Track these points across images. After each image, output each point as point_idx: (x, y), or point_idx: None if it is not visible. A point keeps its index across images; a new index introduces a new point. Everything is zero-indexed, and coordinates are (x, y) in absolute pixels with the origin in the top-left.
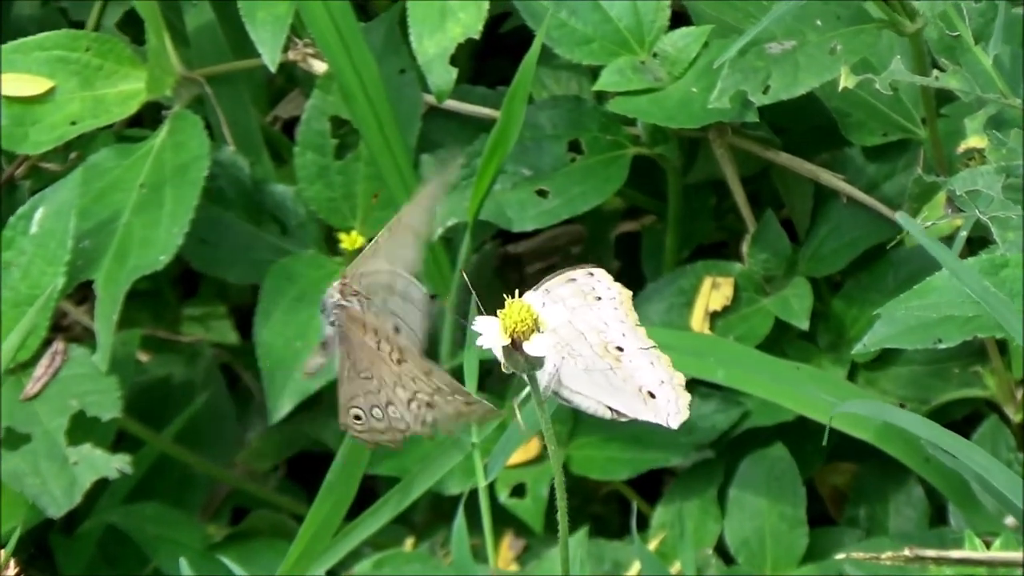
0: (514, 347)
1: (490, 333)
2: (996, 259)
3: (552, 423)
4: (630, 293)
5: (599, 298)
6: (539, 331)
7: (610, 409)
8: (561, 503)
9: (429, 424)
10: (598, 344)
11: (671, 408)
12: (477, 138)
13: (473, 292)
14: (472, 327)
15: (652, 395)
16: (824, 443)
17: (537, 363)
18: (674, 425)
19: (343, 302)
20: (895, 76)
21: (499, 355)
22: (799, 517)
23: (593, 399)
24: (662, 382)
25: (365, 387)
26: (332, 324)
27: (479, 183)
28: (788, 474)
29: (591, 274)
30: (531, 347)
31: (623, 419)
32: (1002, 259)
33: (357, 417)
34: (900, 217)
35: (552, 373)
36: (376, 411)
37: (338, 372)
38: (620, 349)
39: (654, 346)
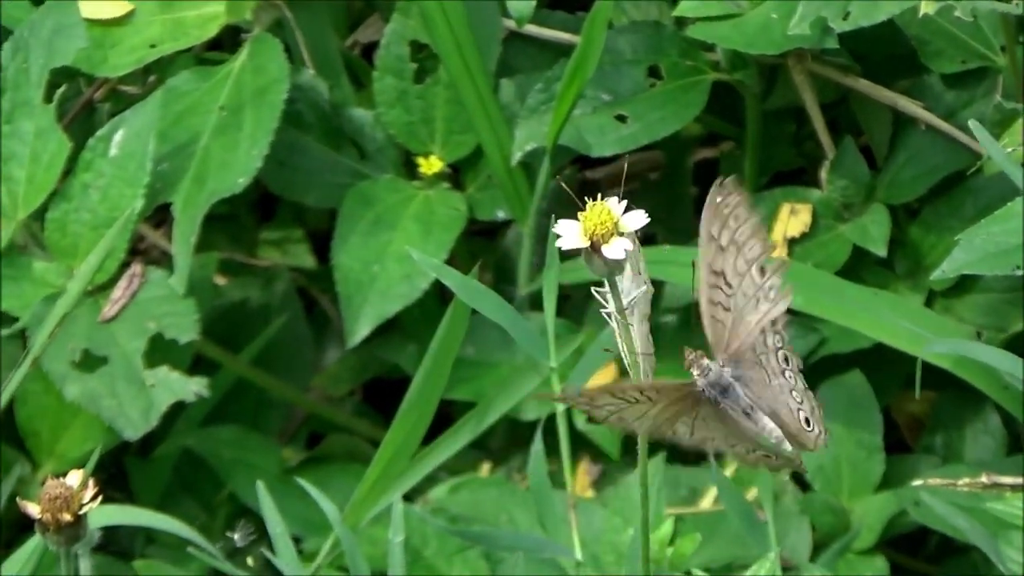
0: (593, 250)
1: (570, 235)
2: None
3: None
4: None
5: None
6: (620, 234)
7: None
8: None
9: None
10: None
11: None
12: (556, 63)
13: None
14: (553, 228)
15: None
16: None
17: (617, 267)
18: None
19: None
20: (975, 3)
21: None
22: (876, 444)
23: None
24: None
25: None
26: None
27: (559, 108)
28: (865, 401)
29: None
30: (610, 250)
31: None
32: None
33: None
34: (974, 127)
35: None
36: None
37: None
38: None
39: None
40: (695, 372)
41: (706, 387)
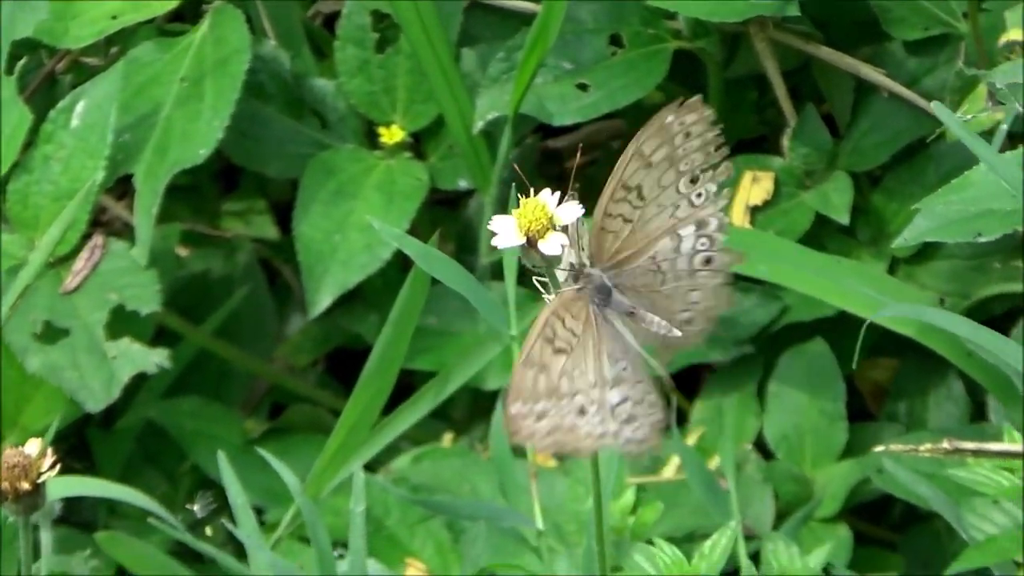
0: (530, 245)
1: (506, 232)
2: None
3: None
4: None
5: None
6: (554, 229)
7: None
8: None
9: None
10: None
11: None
12: (518, 32)
13: (513, 186)
14: (489, 225)
15: None
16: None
17: (554, 261)
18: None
19: None
20: None
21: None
22: (839, 412)
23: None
24: None
25: None
26: None
27: (520, 77)
28: (828, 369)
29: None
30: (545, 246)
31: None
32: None
33: None
34: (936, 107)
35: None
36: None
37: None
38: None
39: None
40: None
41: (590, 291)
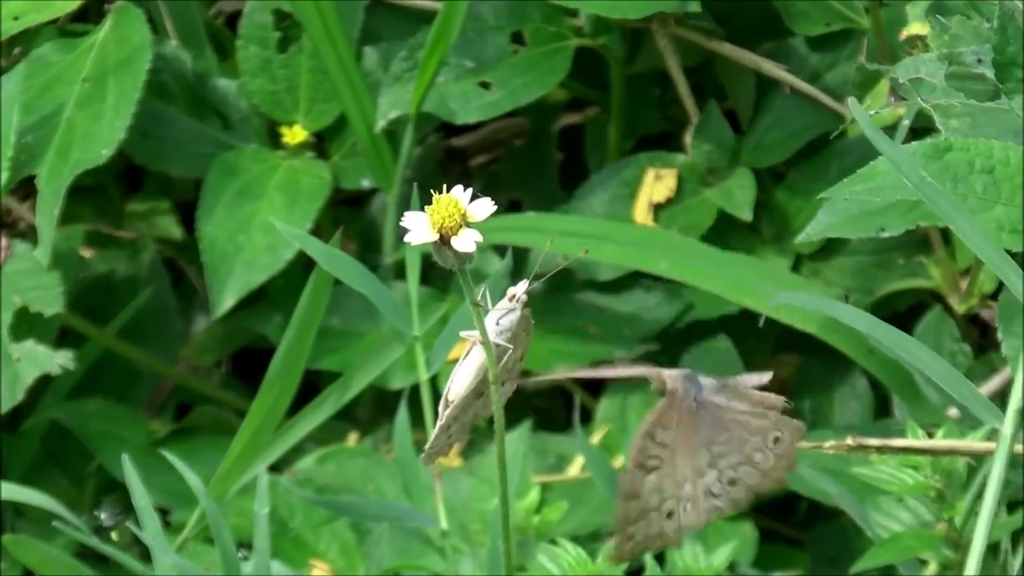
0: (443, 242)
1: (418, 229)
2: (940, 143)
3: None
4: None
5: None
6: (467, 226)
7: None
8: (495, 395)
9: None
10: None
11: None
12: (419, 30)
13: (415, 185)
14: (401, 222)
15: None
16: (766, 336)
17: (467, 258)
18: None
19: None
20: None
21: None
22: None
23: None
24: None
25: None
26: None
27: (422, 75)
28: (732, 366)
29: None
30: (459, 242)
31: None
32: (946, 143)
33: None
34: (852, 104)
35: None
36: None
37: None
38: None
39: None
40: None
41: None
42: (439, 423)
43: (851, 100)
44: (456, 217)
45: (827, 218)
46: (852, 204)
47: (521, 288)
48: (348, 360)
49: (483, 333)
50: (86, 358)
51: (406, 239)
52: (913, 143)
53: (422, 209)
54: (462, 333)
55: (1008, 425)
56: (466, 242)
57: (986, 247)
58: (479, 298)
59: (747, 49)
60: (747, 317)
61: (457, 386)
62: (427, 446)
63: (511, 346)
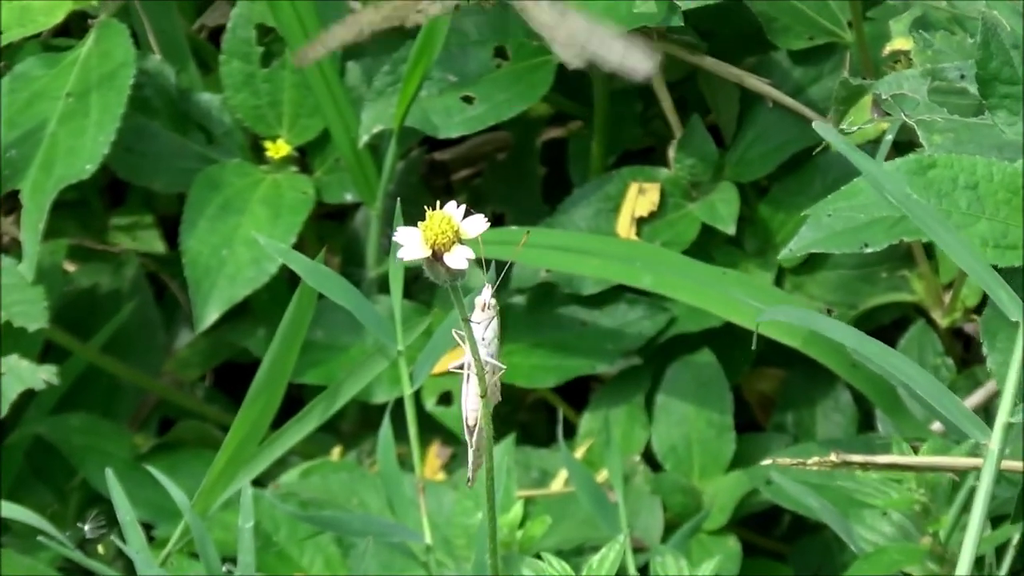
0: (435, 258)
1: (411, 245)
2: (923, 159)
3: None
4: None
5: None
6: (460, 242)
7: None
8: (485, 411)
9: None
10: None
11: None
12: (403, 45)
13: (399, 200)
14: (394, 238)
15: None
16: (752, 348)
17: (459, 275)
18: None
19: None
20: None
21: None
22: (726, 423)
23: None
24: None
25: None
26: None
27: (405, 90)
28: (715, 380)
29: None
30: (451, 259)
31: None
32: (929, 159)
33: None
34: (817, 126)
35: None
36: None
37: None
38: None
39: None
40: None
41: None
42: (471, 449)
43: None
44: (449, 233)
45: (811, 234)
46: (836, 220)
47: (487, 294)
48: (332, 374)
49: (475, 351)
50: (70, 373)
51: (398, 255)
52: (896, 160)
53: (405, 224)
54: (455, 332)
55: (995, 440)
56: (458, 259)
57: (972, 262)
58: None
59: (730, 63)
60: (730, 331)
61: (471, 412)
62: (470, 472)
63: (503, 366)
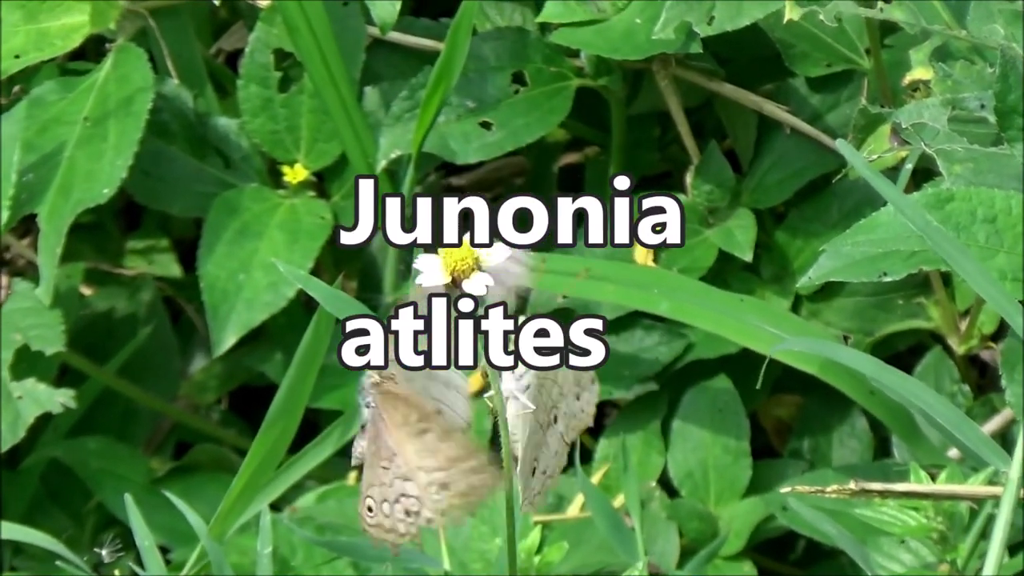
0: (455, 285)
1: (431, 271)
2: (941, 193)
3: None
4: None
5: None
6: (480, 269)
7: None
8: (504, 436)
9: (440, 511)
10: None
11: None
12: (421, 70)
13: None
14: (414, 264)
15: None
16: (766, 376)
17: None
18: None
19: (379, 380)
20: (839, 8)
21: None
22: (743, 449)
23: None
24: None
25: (380, 477)
26: (367, 406)
27: (423, 115)
28: (732, 406)
29: None
30: (471, 285)
31: None
32: (947, 193)
33: (369, 509)
34: (840, 145)
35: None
36: (385, 506)
37: (365, 456)
38: None
39: None
40: None
41: None
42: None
43: (840, 142)
44: (469, 261)
45: (829, 263)
46: (855, 250)
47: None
48: (349, 398)
49: (497, 392)
50: (86, 396)
51: (417, 281)
52: (915, 193)
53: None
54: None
55: (1015, 469)
56: (478, 285)
57: (994, 292)
58: None
59: (748, 89)
60: (747, 357)
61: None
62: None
63: (533, 406)
